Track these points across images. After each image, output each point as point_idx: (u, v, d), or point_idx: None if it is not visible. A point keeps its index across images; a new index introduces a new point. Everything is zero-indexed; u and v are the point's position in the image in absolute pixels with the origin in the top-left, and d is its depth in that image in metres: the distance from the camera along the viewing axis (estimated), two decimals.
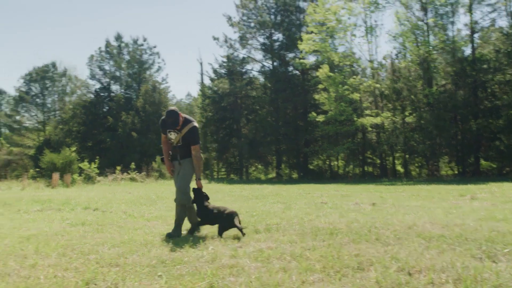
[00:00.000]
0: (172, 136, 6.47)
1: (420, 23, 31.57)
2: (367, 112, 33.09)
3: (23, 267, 4.42)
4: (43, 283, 3.78)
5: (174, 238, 5.99)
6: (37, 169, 33.28)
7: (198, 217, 6.47)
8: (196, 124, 6.50)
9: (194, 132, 6.42)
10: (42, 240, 5.96)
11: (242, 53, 41.94)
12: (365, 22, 33.59)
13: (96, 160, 29.30)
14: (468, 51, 31.60)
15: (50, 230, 6.88)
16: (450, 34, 31.85)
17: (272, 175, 42.31)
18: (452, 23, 31.49)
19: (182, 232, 6.37)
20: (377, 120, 31.16)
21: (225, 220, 6.18)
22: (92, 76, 48.96)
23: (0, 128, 57.22)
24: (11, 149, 48.55)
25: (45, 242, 5.75)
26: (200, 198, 6.50)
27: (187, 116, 6.51)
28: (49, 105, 54.19)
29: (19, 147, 50.26)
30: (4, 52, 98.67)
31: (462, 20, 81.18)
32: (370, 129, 33.41)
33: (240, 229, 6.08)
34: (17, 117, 54.34)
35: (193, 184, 6.57)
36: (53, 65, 54.08)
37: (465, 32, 31.69)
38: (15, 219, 8.52)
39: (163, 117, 6.48)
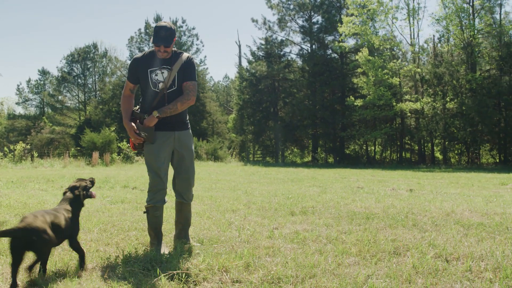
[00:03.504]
0: (160, 76, 4.30)
1: (465, 5, 30.60)
2: (407, 97, 32.51)
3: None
4: (86, 256, 3.92)
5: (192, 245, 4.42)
6: (78, 148, 34.23)
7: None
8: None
9: (192, 64, 4.41)
10: (84, 216, 6.15)
11: (280, 35, 41.72)
12: (407, 5, 32.84)
13: None
14: None
15: (92, 206, 7.09)
16: (497, 17, 30.80)
17: (308, 158, 42.23)
18: (500, 5, 30.39)
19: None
20: (417, 105, 30.56)
21: None
22: (132, 57, 49.63)
23: (44, 107, 58.87)
24: (53, 128, 49.97)
25: (87, 218, 5.94)
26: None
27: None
28: (90, 86, 55.34)
29: (61, 126, 51.66)
30: (47, 33, 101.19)
31: (510, 2, 78.02)
32: (409, 114, 32.86)
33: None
34: (60, 97, 55.71)
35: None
36: (94, 46, 55.05)
37: None
38: (58, 195, 8.80)
39: (138, 55, 4.45)
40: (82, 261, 3.69)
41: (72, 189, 3.91)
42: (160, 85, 4.29)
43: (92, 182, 4.10)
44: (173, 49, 4.40)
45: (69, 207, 3.77)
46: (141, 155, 30.51)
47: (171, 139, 4.36)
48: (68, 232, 3.62)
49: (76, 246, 3.76)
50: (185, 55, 4.39)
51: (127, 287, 3.18)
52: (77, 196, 3.87)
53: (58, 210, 3.67)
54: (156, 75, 4.29)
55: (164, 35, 4.16)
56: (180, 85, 4.34)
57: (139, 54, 4.46)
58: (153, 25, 48.32)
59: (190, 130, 4.61)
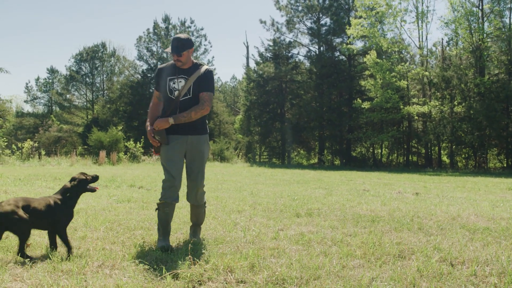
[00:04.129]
0: (177, 85, 4.51)
1: (474, 9, 30.45)
2: (414, 100, 32.38)
3: (73, 238, 4.62)
4: (92, 254, 3.96)
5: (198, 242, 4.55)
6: (85, 147, 34.34)
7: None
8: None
9: (210, 76, 4.57)
10: (91, 214, 6.19)
11: (288, 37, 41.67)
12: (416, 8, 32.70)
13: (141, 140, 30.00)
14: None
15: (98, 205, 7.13)
16: (507, 21, 30.63)
17: (314, 160, 42.15)
18: (510, 9, 30.19)
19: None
20: (424, 108, 30.44)
21: None
22: (140, 57, 49.75)
23: (52, 105, 59.14)
24: (61, 126, 50.17)
25: (94, 216, 5.98)
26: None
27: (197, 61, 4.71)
28: (97, 85, 55.56)
29: (68, 125, 51.86)
30: (56, 32, 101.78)
31: None
32: (416, 117, 32.74)
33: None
34: (68, 96, 55.97)
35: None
36: (103, 45, 55.27)
37: None
38: None
39: (162, 65, 4.74)
40: (68, 256, 3.90)
41: (71, 180, 4.24)
42: (176, 93, 4.51)
43: (94, 178, 4.38)
44: (194, 61, 4.64)
45: (59, 196, 4.10)
46: (147, 155, 30.75)
47: (183, 142, 4.55)
48: (51, 215, 3.95)
49: (63, 237, 3.99)
50: (204, 67, 4.59)
51: (132, 285, 3.20)
52: (73, 186, 4.17)
53: (45, 197, 4.08)
54: (174, 83, 4.54)
55: (176, 45, 4.44)
56: (195, 94, 4.51)
57: (163, 64, 4.74)
58: (162, 25, 48.66)
59: (207, 136, 4.74)
